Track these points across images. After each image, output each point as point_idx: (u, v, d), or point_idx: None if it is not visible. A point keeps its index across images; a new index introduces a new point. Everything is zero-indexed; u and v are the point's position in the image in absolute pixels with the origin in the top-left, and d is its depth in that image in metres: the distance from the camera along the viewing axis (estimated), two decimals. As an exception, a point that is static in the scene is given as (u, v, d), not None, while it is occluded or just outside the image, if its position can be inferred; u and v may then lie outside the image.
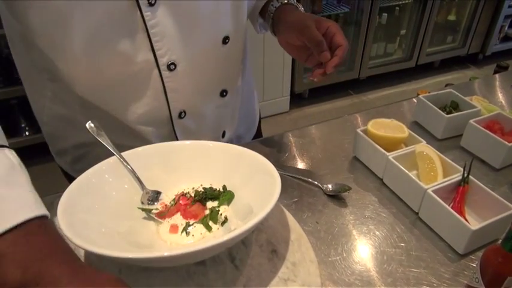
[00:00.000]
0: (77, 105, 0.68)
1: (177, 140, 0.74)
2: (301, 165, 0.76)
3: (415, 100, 0.98)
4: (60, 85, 0.66)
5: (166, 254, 0.43)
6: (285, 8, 0.73)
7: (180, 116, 0.71)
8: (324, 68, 0.65)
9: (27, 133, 2.17)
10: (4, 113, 2.15)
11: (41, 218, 0.40)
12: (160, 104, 0.68)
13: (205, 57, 0.68)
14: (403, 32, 2.97)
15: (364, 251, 0.59)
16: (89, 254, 0.52)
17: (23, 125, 2.19)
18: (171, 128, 0.72)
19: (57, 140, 0.79)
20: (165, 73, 0.64)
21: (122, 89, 0.65)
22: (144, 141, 0.71)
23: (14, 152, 0.45)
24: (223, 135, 0.83)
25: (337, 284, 0.54)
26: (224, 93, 0.76)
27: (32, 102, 0.75)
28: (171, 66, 0.63)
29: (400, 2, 2.80)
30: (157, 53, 0.61)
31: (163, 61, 0.62)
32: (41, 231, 0.39)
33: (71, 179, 0.68)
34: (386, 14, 2.74)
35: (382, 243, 0.60)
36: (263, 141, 0.83)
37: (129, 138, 0.70)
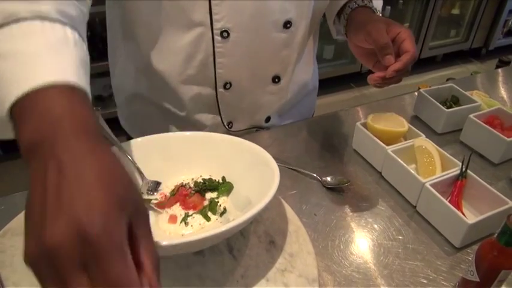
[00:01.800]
0: (139, 61, 0.74)
1: (219, 112, 0.77)
2: (300, 157, 0.77)
3: (411, 95, 0.98)
4: (130, 44, 0.74)
5: (165, 243, 0.44)
6: (360, 10, 0.71)
7: (225, 87, 0.73)
8: (384, 71, 0.61)
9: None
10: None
11: (75, 88, 0.35)
12: (208, 69, 0.71)
13: (261, 35, 0.69)
14: (406, 25, 2.95)
15: (361, 243, 0.60)
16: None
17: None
18: (215, 97, 0.75)
19: (119, 91, 0.87)
20: (217, 38, 0.67)
21: (177, 47, 0.68)
22: (183, 107, 0.76)
23: (77, 34, 0.42)
24: (268, 120, 0.84)
25: (334, 275, 0.54)
26: (276, 80, 0.77)
27: (109, 58, 0.84)
28: (224, 34, 0.66)
29: (404, -5, 2.78)
30: (214, 17, 0.64)
31: (217, 26, 0.65)
32: (65, 95, 0.34)
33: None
34: (389, 7, 2.72)
35: (380, 236, 0.61)
36: (263, 133, 0.83)
37: (173, 100, 0.76)
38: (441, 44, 3.14)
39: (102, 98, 2.33)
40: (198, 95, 0.75)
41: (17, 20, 0.38)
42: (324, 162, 0.76)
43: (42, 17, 0.39)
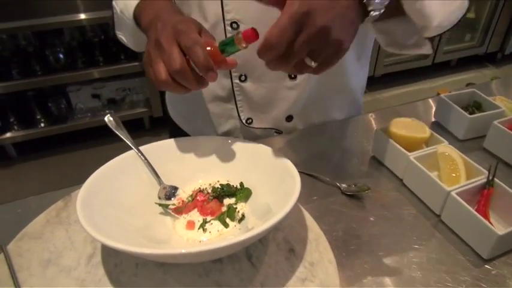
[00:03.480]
0: None
1: (236, 106, 0.80)
2: (318, 163, 0.75)
3: (430, 100, 0.96)
4: None
5: (183, 251, 0.43)
6: None
7: (240, 79, 0.75)
8: None
9: (42, 125, 2.19)
10: (20, 105, 2.17)
11: None
12: None
13: None
14: (420, 29, 2.92)
15: (383, 252, 0.58)
16: (105, 247, 0.52)
17: (38, 117, 2.21)
18: (231, 89, 0.77)
19: None
20: (228, 29, 0.70)
21: None
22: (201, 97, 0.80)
23: None
24: (289, 119, 0.83)
25: (355, 285, 0.53)
26: (293, 75, 0.77)
27: None
28: (234, 25, 0.69)
29: (418, -1, 2.75)
30: (224, 8, 0.67)
31: (228, 17, 0.68)
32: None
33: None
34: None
35: (402, 245, 0.59)
36: (280, 138, 0.82)
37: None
38: (456, 49, 3.10)
39: (115, 101, 2.35)
40: (214, 86, 0.77)
41: None
42: (343, 169, 0.74)
43: None
